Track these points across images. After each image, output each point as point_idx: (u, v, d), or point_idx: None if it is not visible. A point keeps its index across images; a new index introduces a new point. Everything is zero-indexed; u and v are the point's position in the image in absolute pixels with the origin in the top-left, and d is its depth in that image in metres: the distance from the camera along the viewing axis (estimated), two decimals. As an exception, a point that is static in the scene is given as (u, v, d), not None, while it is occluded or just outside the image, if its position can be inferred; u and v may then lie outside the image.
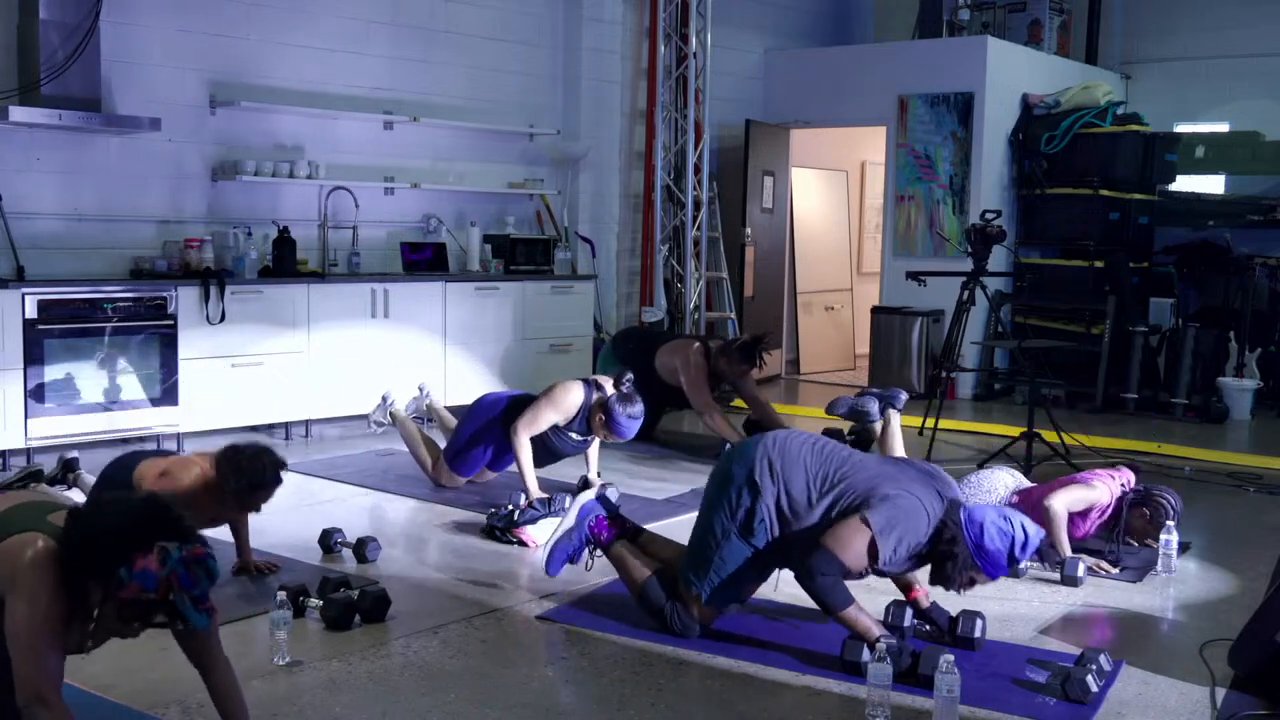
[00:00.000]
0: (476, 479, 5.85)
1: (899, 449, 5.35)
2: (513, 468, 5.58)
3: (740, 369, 6.77)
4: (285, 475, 4.16)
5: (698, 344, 6.85)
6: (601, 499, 4.13)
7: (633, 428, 5.31)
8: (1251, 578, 4.53)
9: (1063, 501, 4.64)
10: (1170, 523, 4.63)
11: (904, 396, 5.66)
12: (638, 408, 5.27)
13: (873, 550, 3.45)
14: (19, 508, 2.64)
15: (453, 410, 6.36)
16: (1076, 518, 4.71)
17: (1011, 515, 3.53)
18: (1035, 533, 3.51)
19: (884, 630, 3.54)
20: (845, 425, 6.74)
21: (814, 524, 3.57)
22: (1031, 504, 4.85)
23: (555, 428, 5.39)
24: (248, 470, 4.01)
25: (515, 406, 5.57)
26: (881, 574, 3.64)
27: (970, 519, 3.49)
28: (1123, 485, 4.78)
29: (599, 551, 4.04)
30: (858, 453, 3.81)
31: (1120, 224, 9.55)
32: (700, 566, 3.70)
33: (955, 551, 3.46)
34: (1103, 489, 4.72)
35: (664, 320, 9.19)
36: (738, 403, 7.70)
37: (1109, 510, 4.74)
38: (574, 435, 5.47)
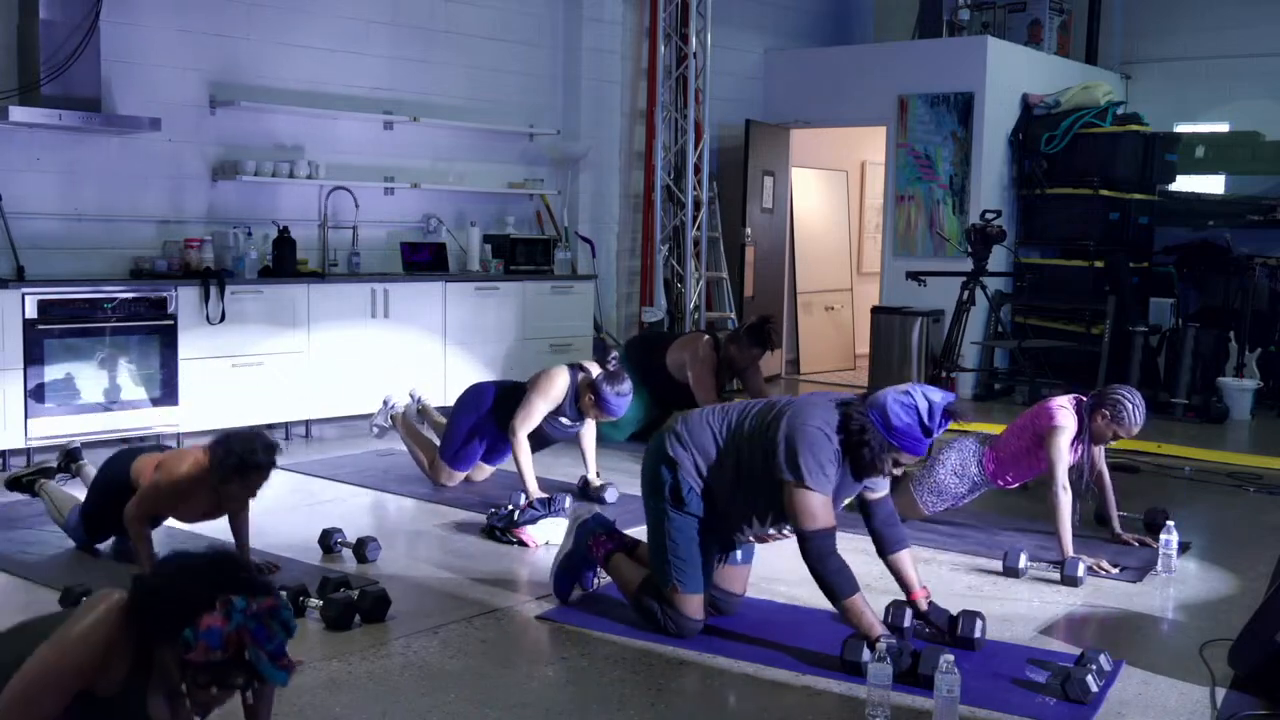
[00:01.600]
0: (474, 475, 5.86)
1: None
2: (507, 464, 5.60)
3: (752, 353, 6.78)
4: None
5: (706, 337, 6.90)
6: (596, 517, 4.16)
7: (622, 405, 5.35)
8: (1251, 578, 4.53)
9: (1062, 475, 4.64)
10: (1170, 522, 4.63)
11: None
12: (626, 385, 5.32)
13: (822, 501, 3.52)
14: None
15: (447, 410, 6.37)
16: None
17: (911, 389, 3.57)
18: (941, 398, 3.55)
19: (885, 629, 3.54)
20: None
21: (734, 479, 3.68)
22: (1007, 455, 4.96)
23: (548, 415, 5.42)
24: (240, 452, 4.01)
25: (503, 397, 5.62)
26: (856, 503, 3.75)
27: (872, 404, 3.56)
28: (1076, 401, 4.83)
29: (602, 571, 4.11)
30: (754, 401, 3.92)
31: (1120, 224, 9.55)
32: (660, 557, 3.77)
33: (867, 439, 3.52)
34: (1068, 418, 4.76)
35: (664, 320, 9.19)
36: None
37: (1077, 431, 4.78)
38: (565, 421, 5.50)
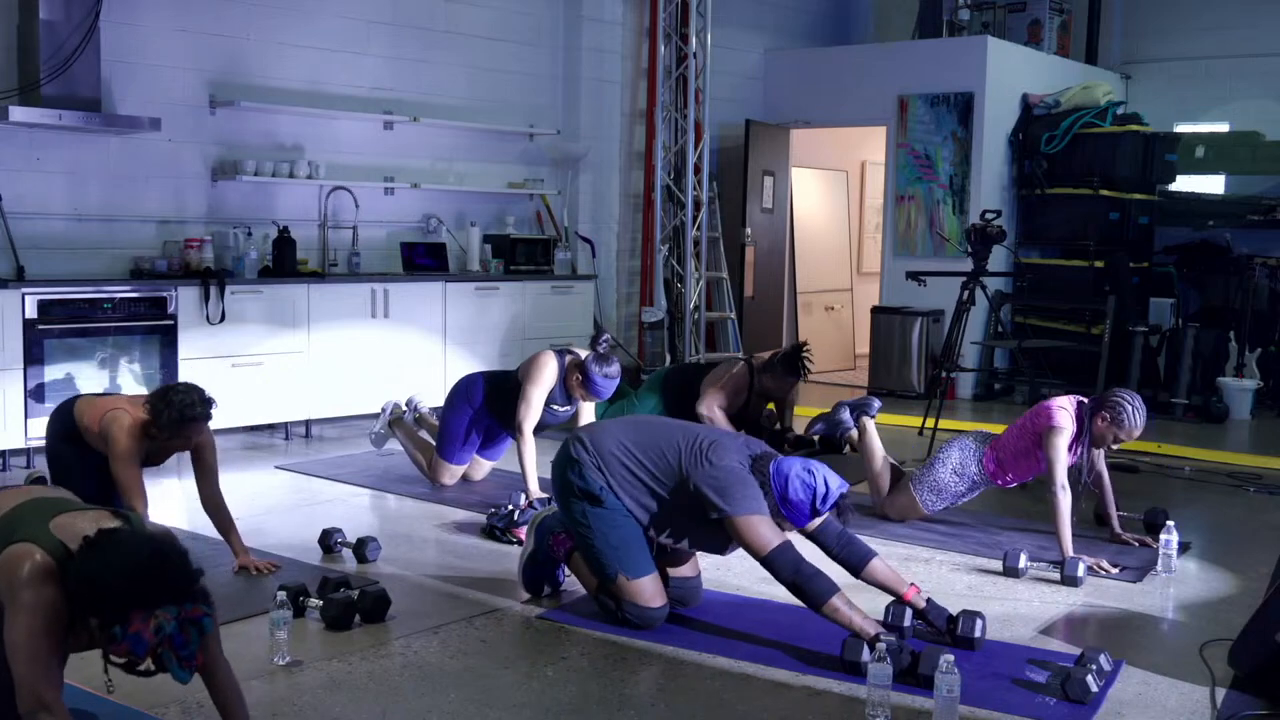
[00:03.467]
0: (473, 474, 5.87)
1: (879, 452, 5.37)
2: (505, 464, 5.60)
3: (787, 383, 6.42)
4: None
5: (742, 362, 6.55)
6: (555, 515, 4.17)
7: (609, 386, 5.36)
8: (1251, 578, 4.53)
9: (1062, 475, 4.64)
10: (1170, 522, 4.63)
11: (877, 404, 5.67)
12: (614, 367, 5.33)
13: (764, 521, 3.60)
14: (27, 506, 2.64)
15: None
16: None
17: (815, 468, 3.66)
18: (837, 485, 3.65)
19: (878, 625, 3.55)
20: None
21: (650, 485, 3.77)
22: (1007, 454, 4.95)
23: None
24: (178, 405, 4.22)
25: (494, 388, 5.65)
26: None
27: (778, 470, 3.66)
28: (1077, 404, 4.83)
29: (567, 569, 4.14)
30: (656, 419, 4.07)
31: (1120, 224, 9.55)
32: (595, 555, 3.82)
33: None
34: (1067, 419, 4.77)
35: (664, 320, 9.19)
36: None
37: (1076, 433, 4.79)
38: (555, 406, 5.51)
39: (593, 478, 3.80)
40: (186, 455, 4.43)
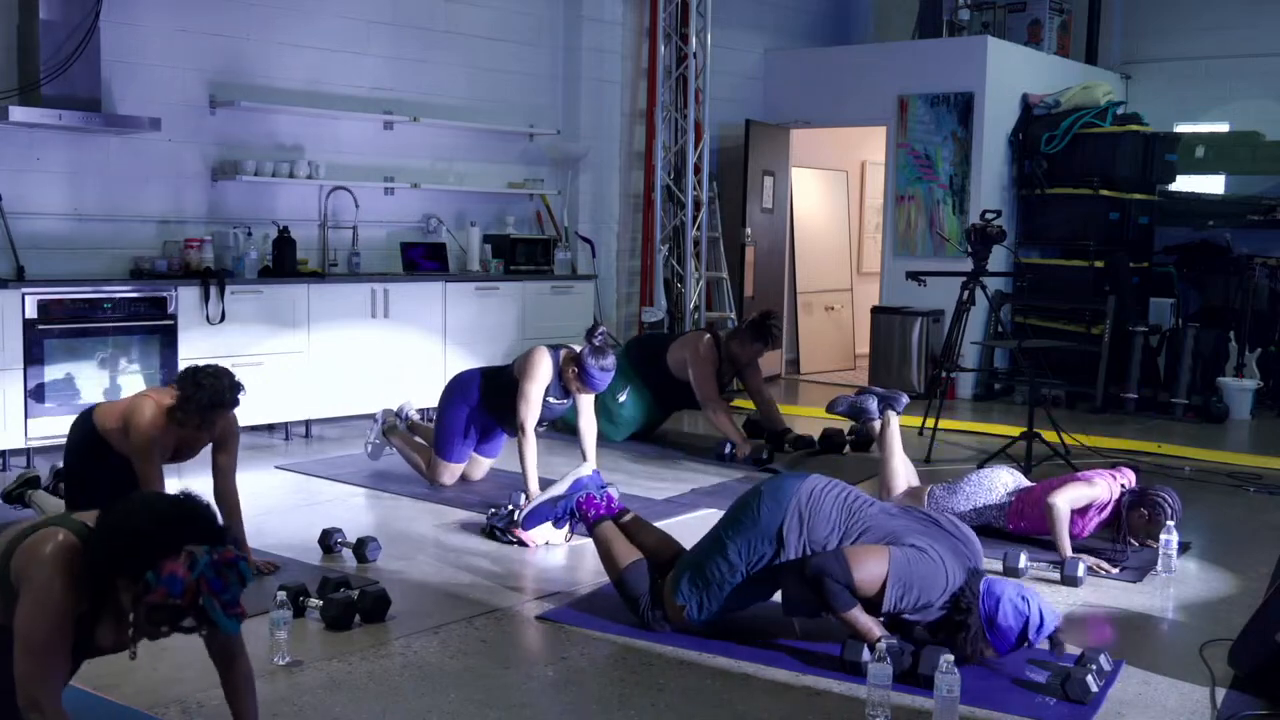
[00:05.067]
0: (472, 474, 5.87)
1: (897, 450, 5.34)
2: (505, 463, 5.60)
3: (754, 348, 6.80)
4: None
5: (707, 335, 6.90)
6: (595, 477, 4.18)
7: (605, 379, 5.37)
8: (1251, 578, 4.53)
9: (1065, 499, 4.65)
10: (1170, 523, 4.63)
11: (905, 399, 5.64)
12: (609, 360, 5.34)
13: (883, 585, 3.45)
14: (44, 521, 2.59)
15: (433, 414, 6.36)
16: (1075, 515, 4.72)
17: (1030, 596, 3.51)
18: (1051, 616, 3.50)
19: (885, 631, 3.54)
20: (845, 424, 6.75)
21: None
22: (1031, 501, 4.85)
23: None
24: (209, 389, 4.10)
25: (490, 384, 5.66)
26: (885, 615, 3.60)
27: (989, 591, 3.50)
28: (1123, 485, 4.79)
29: (581, 526, 4.07)
30: (887, 505, 3.81)
31: (1120, 224, 9.55)
32: (698, 585, 3.69)
33: (969, 623, 3.47)
34: (1102, 486, 4.74)
35: (664, 320, 9.19)
36: (741, 401, 7.71)
37: (1108, 509, 4.75)
38: (551, 400, 5.51)
39: (782, 556, 3.59)
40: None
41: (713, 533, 3.77)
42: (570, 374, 5.39)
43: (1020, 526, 4.91)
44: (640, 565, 3.84)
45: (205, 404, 4.10)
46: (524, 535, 4.82)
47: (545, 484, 5.43)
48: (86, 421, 4.46)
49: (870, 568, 3.45)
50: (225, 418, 4.20)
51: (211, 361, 4.35)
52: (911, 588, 3.46)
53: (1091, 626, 4.05)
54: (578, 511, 4.07)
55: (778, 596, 3.67)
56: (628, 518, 4.05)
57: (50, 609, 2.38)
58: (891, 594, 3.45)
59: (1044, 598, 3.59)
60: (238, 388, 4.19)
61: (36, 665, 2.36)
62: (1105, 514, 4.76)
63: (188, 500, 2.51)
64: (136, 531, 2.37)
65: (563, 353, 5.46)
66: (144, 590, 2.33)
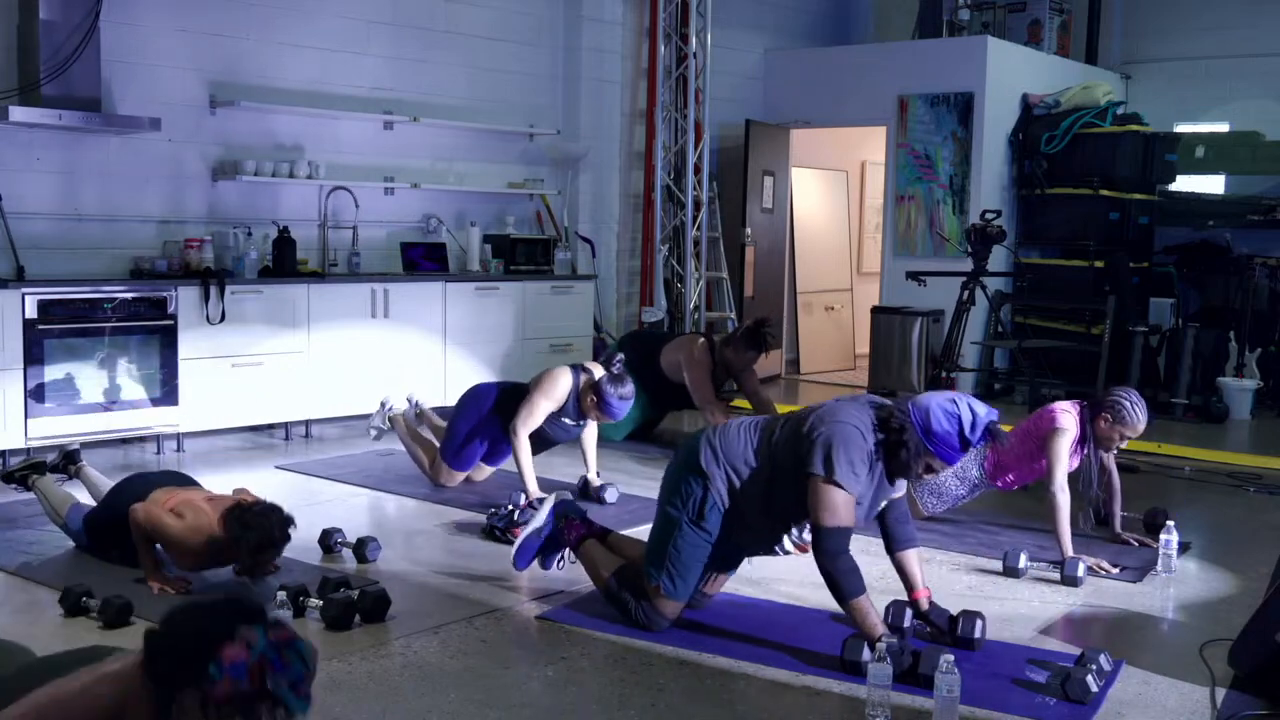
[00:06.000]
0: (474, 475, 5.86)
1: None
2: (507, 464, 5.60)
3: (747, 356, 6.79)
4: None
5: (701, 339, 6.89)
6: (569, 503, 4.19)
7: (623, 408, 5.36)
8: (1251, 578, 4.53)
9: (1062, 479, 4.65)
10: (1170, 522, 4.63)
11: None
12: (628, 388, 5.32)
13: (847, 500, 3.49)
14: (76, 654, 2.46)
15: (445, 411, 6.36)
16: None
17: (959, 397, 3.54)
18: (985, 413, 3.52)
19: (887, 629, 3.55)
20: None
21: (765, 493, 3.66)
22: (1008, 455, 4.94)
23: (550, 416, 5.42)
24: (257, 529, 3.93)
25: (505, 398, 5.63)
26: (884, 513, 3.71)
27: (915, 405, 3.53)
28: (1079, 406, 4.85)
29: (571, 554, 4.13)
30: (789, 414, 3.90)
31: (1120, 224, 9.55)
32: (658, 560, 3.77)
33: (905, 439, 3.49)
34: (1070, 421, 4.78)
35: (664, 320, 9.19)
36: (739, 402, 7.71)
37: (1078, 437, 4.80)
38: (567, 421, 5.51)
39: (715, 496, 3.68)
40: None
41: (657, 511, 3.87)
42: (589, 402, 5.37)
43: (1007, 483, 5.03)
44: (624, 569, 3.90)
45: (253, 545, 3.94)
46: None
47: (544, 485, 5.46)
48: (139, 496, 4.20)
49: (831, 503, 3.46)
50: (275, 555, 4.04)
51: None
52: (851, 460, 3.48)
53: (1091, 626, 4.05)
54: (561, 537, 4.10)
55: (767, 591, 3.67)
56: (611, 537, 4.12)
57: (67, 702, 2.22)
58: (849, 485, 3.47)
59: (971, 396, 3.59)
60: (287, 523, 4.01)
61: None
62: (1079, 440, 4.82)
63: (227, 591, 2.41)
64: (187, 629, 2.27)
65: (583, 377, 5.43)
66: (210, 686, 2.21)
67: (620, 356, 5.51)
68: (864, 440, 3.52)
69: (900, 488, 3.77)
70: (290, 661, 2.25)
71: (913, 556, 3.80)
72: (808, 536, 3.82)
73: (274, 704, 2.23)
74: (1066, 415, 4.80)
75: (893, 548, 3.80)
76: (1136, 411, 4.72)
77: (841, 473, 3.46)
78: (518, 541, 4.19)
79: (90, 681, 2.25)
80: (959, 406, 3.49)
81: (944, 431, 3.47)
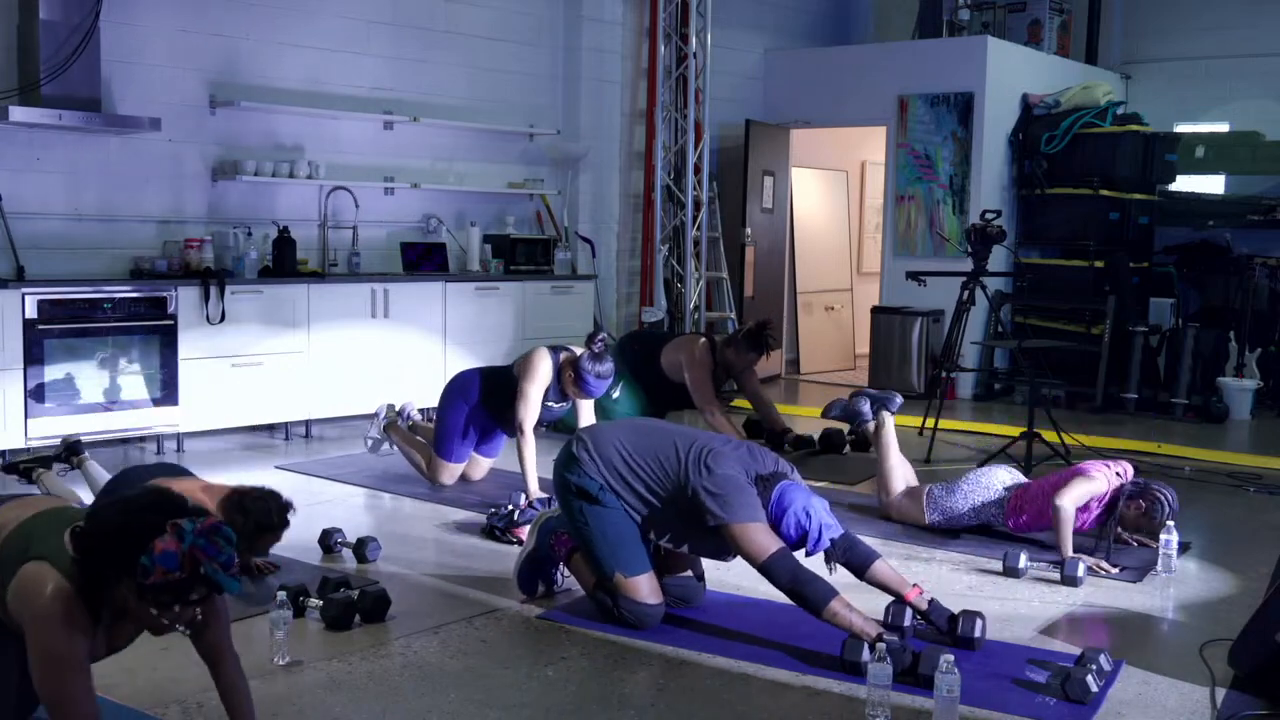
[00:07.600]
0: (472, 474, 5.87)
1: (893, 451, 5.35)
2: (505, 464, 5.60)
3: (748, 357, 6.81)
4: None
5: (702, 340, 6.90)
6: (555, 517, 4.19)
7: (601, 386, 5.39)
8: (1251, 578, 4.53)
9: (1071, 499, 4.64)
10: (1170, 523, 4.62)
11: (899, 400, 5.62)
12: (607, 366, 5.34)
13: (762, 529, 3.61)
14: (40, 518, 2.60)
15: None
16: (1078, 511, 4.71)
17: (814, 510, 3.63)
18: (830, 534, 3.63)
19: (879, 626, 3.55)
20: (844, 426, 6.76)
21: (649, 488, 3.78)
22: (1029, 498, 4.85)
23: None
24: (255, 513, 3.90)
25: (490, 384, 5.66)
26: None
27: (779, 500, 3.66)
28: (1119, 474, 4.78)
29: (567, 570, 4.15)
30: (659, 423, 4.09)
31: (1120, 224, 9.55)
32: (593, 552, 3.84)
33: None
34: (1101, 479, 4.73)
35: (664, 320, 9.19)
36: (740, 402, 7.72)
37: (1105, 499, 4.74)
38: (550, 403, 5.53)
39: (592, 478, 3.81)
40: None
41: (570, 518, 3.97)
42: (567, 378, 5.39)
43: (1020, 523, 4.91)
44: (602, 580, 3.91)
45: (251, 529, 3.88)
46: (524, 535, 4.81)
47: (545, 484, 5.46)
48: (141, 480, 4.08)
49: (758, 540, 3.58)
50: (274, 541, 3.97)
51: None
52: (749, 496, 3.66)
53: (1091, 626, 4.05)
54: (551, 553, 4.11)
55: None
56: None
57: (67, 666, 2.44)
58: (760, 515, 3.64)
59: (828, 512, 3.68)
60: (286, 509, 3.95)
61: (75, 707, 2.44)
62: (1103, 505, 4.76)
63: (154, 487, 2.62)
64: (120, 527, 2.43)
65: (562, 355, 5.46)
66: (143, 576, 2.39)
67: (603, 335, 5.51)
68: (747, 482, 3.69)
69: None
70: (220, 546, 2.45)
71: (882, 567, 3.79)
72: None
73: (207, 585, 2.45)
74: (1104, 472, 4.74)
75: (860, 573, 3.79)
76: (1167, 517, 4.63)
77: (743, 512, 3.61)
78: (513, 570, 4.18)
79: (52, 611, 2.44)
80: (811, 521, 3.61)
81: (788, 536, 3.63)
